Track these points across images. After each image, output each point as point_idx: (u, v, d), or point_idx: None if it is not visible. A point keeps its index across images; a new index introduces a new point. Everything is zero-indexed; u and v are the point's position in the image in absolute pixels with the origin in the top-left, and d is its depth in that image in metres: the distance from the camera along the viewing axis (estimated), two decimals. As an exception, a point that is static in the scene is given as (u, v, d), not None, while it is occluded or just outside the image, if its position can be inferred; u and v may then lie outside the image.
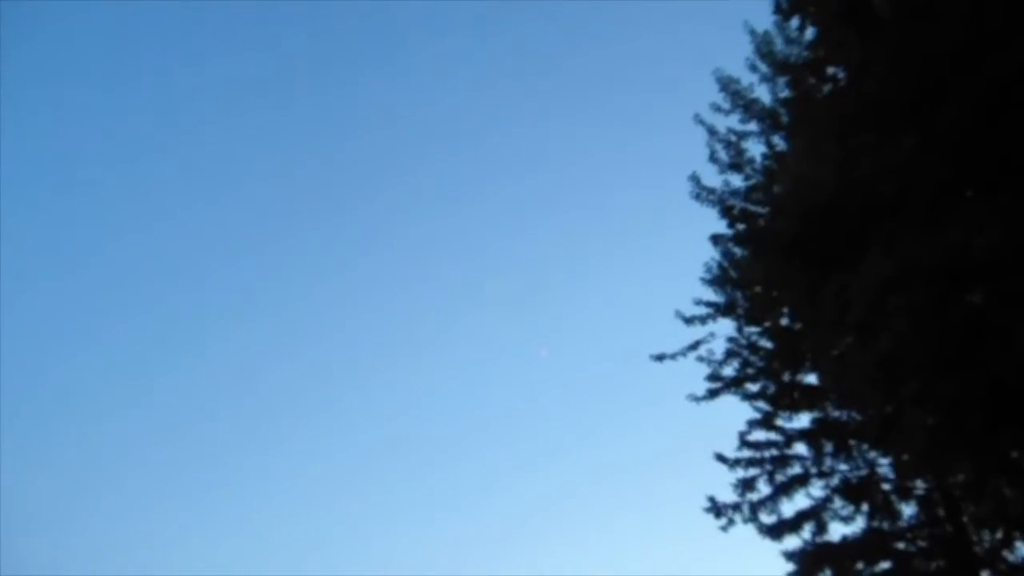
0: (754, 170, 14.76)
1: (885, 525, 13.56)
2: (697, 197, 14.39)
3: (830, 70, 10.84)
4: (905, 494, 13.66)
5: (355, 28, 40.30)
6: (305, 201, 40.13)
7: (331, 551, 29.60)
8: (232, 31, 39.67)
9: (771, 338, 14.58)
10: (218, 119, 39.91)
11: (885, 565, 13.32)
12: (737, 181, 14.68)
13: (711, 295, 14.94)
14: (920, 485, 13.56)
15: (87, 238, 39.58)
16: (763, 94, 14.89)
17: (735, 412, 14.82)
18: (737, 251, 14.62)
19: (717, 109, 15.02)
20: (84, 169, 39.59)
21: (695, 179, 14.42)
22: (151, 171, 39.58)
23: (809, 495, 13.91)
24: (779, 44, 14.86)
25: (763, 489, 14.04)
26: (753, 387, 14.69)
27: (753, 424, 14.55)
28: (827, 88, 11.08)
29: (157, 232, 40.28)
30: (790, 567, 13.51)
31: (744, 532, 13.89)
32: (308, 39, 40.48)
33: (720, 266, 14.87)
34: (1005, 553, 12.51)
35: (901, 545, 13.49)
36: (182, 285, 40.04)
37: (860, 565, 13.36)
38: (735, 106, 14.95)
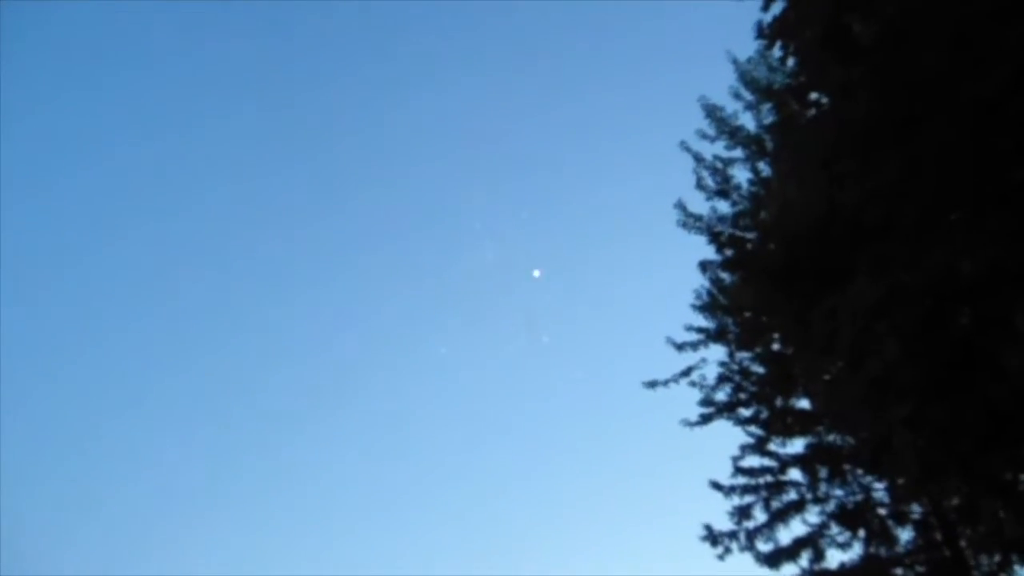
0: (741, 196, 14.84)
1: (883, 551, 13.42)
2: (684, 225, 14.46)
3: (813, 95, 10.92)
4: (902, 519, 13.53)
5: (341, 28, 40.74)
6: (307, 201, 40.45)
7: (332, 552, 29.56)
8: (228, 33, 40.07)
9: (762, 363, 14.56)
10: (216, 120, 40.29)
11: (884, 591, 13.19)
12: (724, 207, 14.78)
13: (702, 321, 14.98)
14: (916, 509, 13.44)
15: (87, 238, 39.86)
16: (747, 121, 15.10)
17: (730, 438, 14.80)
18: (726, 277, 14.66)
19: (703, 136, 15.15)
20: (85, 170, 39.93)
21: (681, 207, 14.50)
22: (149, 172, 39.92)
23: (805, 521, 13.81)
24: (762, 71, 15.07)
25: (759, 516, 13.95)
26: (746, 412, 14.67)
27: (746, 449, 14.47)
28: (810, 113, 11.16)
29: (157, 233, 40.55)
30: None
31: (742, 559, 13.80)
32: (298, 39, 40.88)
33: (709, 292, 14.90)
34: (1004, 577, 12.39)
35: (899, 571, 13.34)
36: (186, 284, 40.23)
37: (859, 592, 13.21)
38: (720, 133, 15.09)
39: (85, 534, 28.88)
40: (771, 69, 14.93)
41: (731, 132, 15.02)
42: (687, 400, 14.85)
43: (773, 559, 13.52)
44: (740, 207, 14.71)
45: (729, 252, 14.23)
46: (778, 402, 14.57)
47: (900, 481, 12.18)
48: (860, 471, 13.72)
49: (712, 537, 13.79)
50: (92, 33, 38.56)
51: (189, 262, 40.31)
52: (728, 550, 13.71)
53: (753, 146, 14.89)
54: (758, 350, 14.60)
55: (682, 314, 15.12)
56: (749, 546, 13.67)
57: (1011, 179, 8.46)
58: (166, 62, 41.02)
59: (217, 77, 41.18)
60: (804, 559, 13.48)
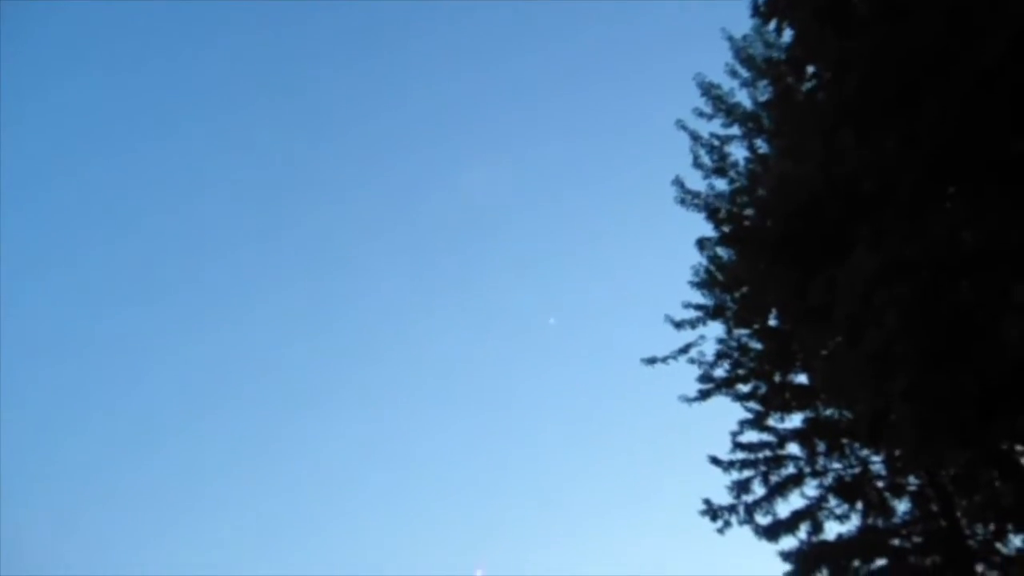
0: (738, 173, 14.83)
1: (880, 522, 13.58)
2: (682, 202, 14.44)
3: (810, 69, 10.89)
4: (898, 491, 13.69)
5: (337, 25, 40.49)
6: (303, 191, 40.32)
7: (331, 551, 29.68)
8: (222, 31, 39.82)
9: (761, 339, 14.63)
10: (215, 119, 40.18)
11: (881, 562, 13.32)
12: (722, 185, 14.77)
13: (700, 298, 15.01)
14: (913, 481, 13.60)
15: (86, 237, 39.82)
16: (744, 98, 15.05)
17: (729, 414, 14.91)
18: (724, 254, 14.68)
19: (700, 114, 15.10)
20: (81, 168, 39.81)
21: (679, 184, 14.48)
22: (146, 169, 39.79)
23: (804, 495, 13.97)
24: (758, 48, 15.03)
25: (758, 490, 14.09)
26: (744, 388, 14.76)
27: (745, 424, 14.58)
28: (807, 87, 11.13)
29: (156, 231, 40.49)
30: (787, 567, 13.53)
31: (741, 533, 13.94)
32: (292, 37, 40.61)
33: (707, 270, 14.91)
34: (999, 545, 12.55)
35: (896, 542, 13.50)
36: (186, 282, 40.27)
37: (856, 563, 13.34)
38: (717, 111, 15.05)
39: (85, 534, 28.93)
40: (767, 45, 14.90)
41: (728, 110, 14.98)
42: (686, 377, 14.97)
43: (772, 532, 13.67)
44: (737, 184, 14.70)
45: (727, 228, 14.25)
46: (776, 377, 14.67)
47: (898, 453, 12.28)
48: (858, 444, 13.85)
49: (712, 511, 13.92)
50: (92, 33, 38.29)
51: (189, 259, 40.29)
52: (727, 524, 13.86)
53: (750, 123, 14.86)
54: (756, 326, 14.66)
55: (680, 291, 15.19)
56: (748, 519, 13.82)
57: (1010, 150, 8.47)
58: (166, 61, 40.84)
59: (217, 77, 41.00)
60: (802, 531, 13.66)
